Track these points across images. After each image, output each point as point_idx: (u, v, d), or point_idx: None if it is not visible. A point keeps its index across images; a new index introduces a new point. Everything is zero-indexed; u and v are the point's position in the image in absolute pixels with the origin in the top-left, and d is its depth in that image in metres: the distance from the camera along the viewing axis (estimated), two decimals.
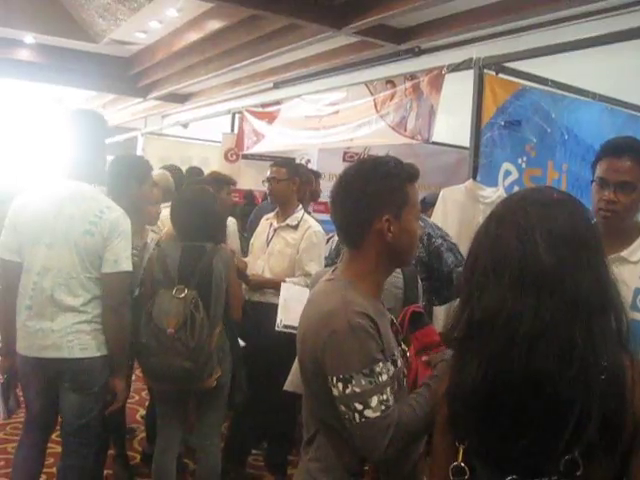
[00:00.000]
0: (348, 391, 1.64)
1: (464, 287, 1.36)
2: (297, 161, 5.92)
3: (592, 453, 1.21)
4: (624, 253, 2.43)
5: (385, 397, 1.64)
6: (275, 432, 4.16)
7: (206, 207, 3.34)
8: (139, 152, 8.17)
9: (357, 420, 1.63)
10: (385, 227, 1.77)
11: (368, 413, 1.62)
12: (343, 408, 1.65)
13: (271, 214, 4.25)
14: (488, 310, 1.27)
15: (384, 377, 1.66)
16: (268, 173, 4.18)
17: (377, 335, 1.70)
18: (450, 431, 1.36)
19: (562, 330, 1.22)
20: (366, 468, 1.75)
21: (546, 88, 3.91)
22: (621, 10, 5.46)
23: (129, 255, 2.88)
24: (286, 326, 3.54)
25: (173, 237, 3.43)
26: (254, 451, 4.39)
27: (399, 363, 1.78)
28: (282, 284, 3.76)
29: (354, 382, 1.63)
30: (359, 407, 1.63)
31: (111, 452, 3.82)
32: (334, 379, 1.65)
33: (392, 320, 1.91)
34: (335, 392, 1.66)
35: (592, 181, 2.46)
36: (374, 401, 1.63)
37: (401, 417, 1.64)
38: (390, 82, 4.54)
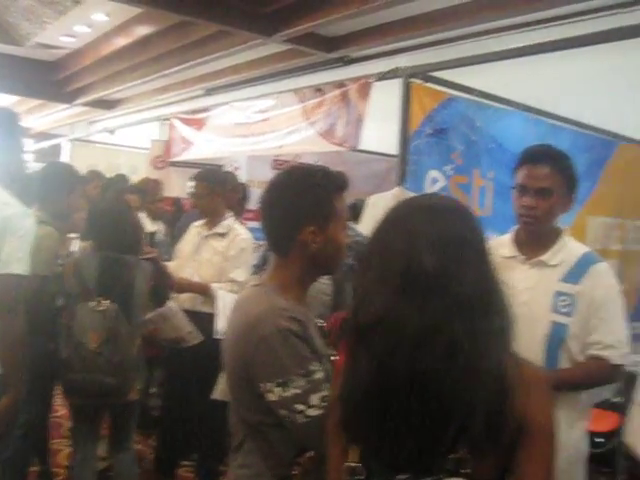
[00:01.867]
0: (287, 394, 1.64)
1: (356, 291, 1.39)
2: (226, 168, 5.88)
3: (478, 450, 1.24)
4: (544, 257, 2.49)
5: (324, 393, 1.65)
6: (205, 442, 4.11)
7: (121, 217, 3.26)
8: (64, 159, 7.98)
9: (300, 421, 1.64)
10: (310, 238, 1.78)
11: (310, 412, 1.64)
12: (284, 412, 1.65)
13: (200, 222, 4.19)
14: (375, 313, 1.29)
15: (319, 375, 1.68)
16: (191, 187, 4.13)
17: (306, 337, 1.71)
18: (343, 430, 1.37)
19: (446, 331, 1.25)
20: (295, 473, 1.74)
21: (472, 97, 3.95)
22: (544, 23, 5.61)
23: (23, 257, 2.49)
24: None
25: (89, 247, 3.34)
26: (184, 462, 4.34)
27: (327, 366, 1.78)
28: (218, 292, 3.71)
29: (293, 384, 1.64)
30: (301, 408, 1.64)
31: (35, 469, 3.73)
32: (270, 384, 1.65)
33: (318, 325, 1.91)
34: (272, 397, 1.65)
35: (512, 188, 2.50)
36: (315, 399, 1.65)
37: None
38: (319, 90, 4.55)
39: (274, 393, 1.66)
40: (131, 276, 3.11)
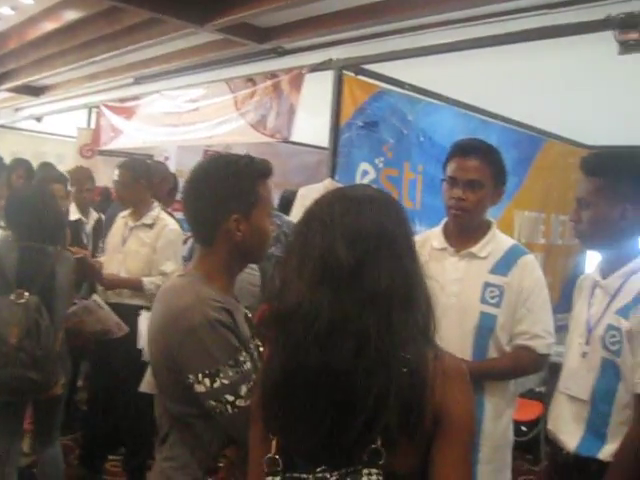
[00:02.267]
0: (217, 385, 1.63)
1: (277, 281, 1.38)
2: (155, 158, 5.79)
3: (394, 442, 1.24)
4: (474, 249, 2.53)
5: (252, 384, 1.64)
6: (132, 436, 4.04)
7: (41, 206, 3.14)
8: None
9: (230, 411, 1.63)
10: (234, 227, 1.76)
11: (239, 402, 1.63)
12: (213, 403, 1.64)
13: (126, 212, 4.10)
14: (290, 304, 1.29)
15: (248, 365, 1.68)
16: (115, 175, 4.04)
17: (235, 327, 1.71)
18: (261, 420, 1.36)
19: (358, 323, 1.24)
20: (221, 465, 1.73)
21: (403, 91, 3.99)
22: (476, 20, 5.69)
23: None
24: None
25: (7, 237, 3.23)
26: (111, 456, 4.28)
27: (254, 356, 1.78)
28: (142, 313, 3.63)
29: (222, 375, 1.63)
30: (230, 398, 1.63)
31: None
32: (199, 375, 1.63)
33: (246, 314, 1.90)
34: (201, 388, 1.64)
35: (443, 180, 2.53)
36: (243, 390, 1.64)
37: None
38: (251, 80, 4.51)
39: (203, 384, 1.64)
40: (53, 267, 3.01)
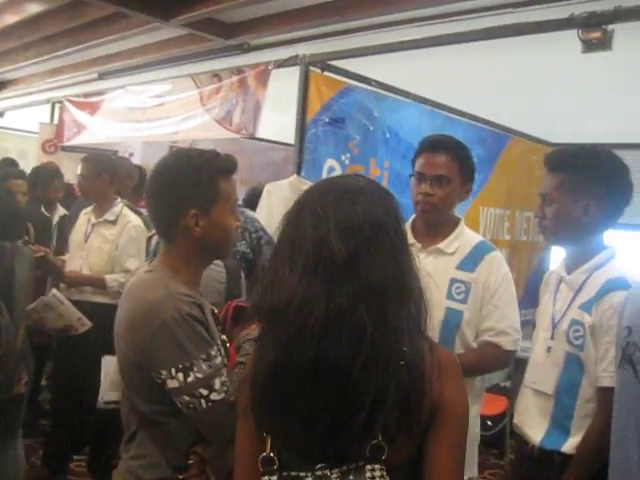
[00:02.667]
0: (191, 379, 1.62)
1: (267, 273, 1.34)
2: (120, 154, 5.72)
3: (393, 436, 1.23)
4: (441, 245, 2.54)
5: (224, 378, 1.66)
6: (97, 435, 4.00)
7: None
8: None
9: (204, 406, 1.63)
10: (192, 222, 1.75)
11: (214, 396, 1.63)
12: (187, 398, 1.63)
13: (89, 208, 4.06)
14: (281, 297, 1.26)
15: (219, 359, 1.68)
16: (78, 169, 4.01)
17: (206, 322, 1.71)
18: (253, 418, 1.32)
19: (353, 317, 1.22)
20: (191, 462, 1.71)
21: (370, 88, 3.99)
22: (440, 19, 5.71)
23: None
24: (107, 402, 3.17)
25: None
26: (76, 457, 4.23)
27: (218, 359, 1.75)
28: (104, 357, 3.55)
29: (195, 369, 1.62)
30: (205, 392, 1.63)
31: None
32: (172, 370, 1.62)
33: (212, 310, 1.89)
34: (174, 384, 1.62)
35: (411, 176, 2.54)
36: (217, 383, 1.64)
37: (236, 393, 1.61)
38: (216, 76, 4.48)
39: (176, 379, 1.63)
40: (11, 263, 2.95)
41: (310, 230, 1.27)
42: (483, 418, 4.32)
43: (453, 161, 2.48)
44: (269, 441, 1.30)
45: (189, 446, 1.72)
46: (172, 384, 1.64)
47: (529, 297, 5.50)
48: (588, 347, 2.12)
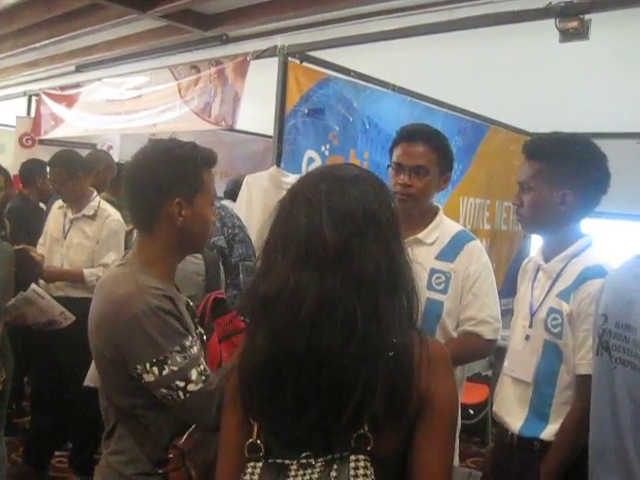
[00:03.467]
0: (166, 372, 1.61)
1: (258, 262, 1.35)
2: (99, 147, 5.67)
3: (380, 427, 1.23)
4: (420, 235, 2.53)
5: (202, 367, 1.65)
6: (78, 430, 4.00)
7: None
8: None
9: (182, 397, 1.62)
10: (176, 211, 1.74)
11: (191, 387, 1.62)
12: (164, 391, 1.62)
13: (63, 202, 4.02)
14: (273, 285, 1.26)
15: (195, 349, 1.67)
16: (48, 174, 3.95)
17: (178, 314, 1.69)
18: (241, 405, 1.32)
19: (345, 307, 1.21)
20: (170, 456, 1.69)
21: (349, 78, 3.98)
22: (419, 9, 5.70)
23: None
24: None
25: None
26: (57, 452, 4.22)
27: (194, 350, 1.74)
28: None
29: (170, 362, 1.61)
30: (181, 384, 1.62)
31: None
32: (147, 365, 1.61)
33: (187, 302, 1.88)
34: (150, 378, 1.62)
35: (389, 166, 2.53)
36: (194, 374, 1.63)
37: (221, 381, 1.61)
38: (195, 67, 4.45)
39: (152, 373, 1.62)
40: None
41: (303, 219, 1.27)
42: (465, 407, 4.35)
43: (431, 151, 2.47)
44: (256, 428, 1.30)
45: (168, 440, 1.71)
46: (148, 378, 1.63)
47: (508, 286, 5.54)
48: (566, 335, 2.13)
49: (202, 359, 1.69)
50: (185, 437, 1.70)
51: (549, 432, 2.15)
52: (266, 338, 1.26)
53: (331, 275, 1.23)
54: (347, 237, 1.25)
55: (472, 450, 4.88)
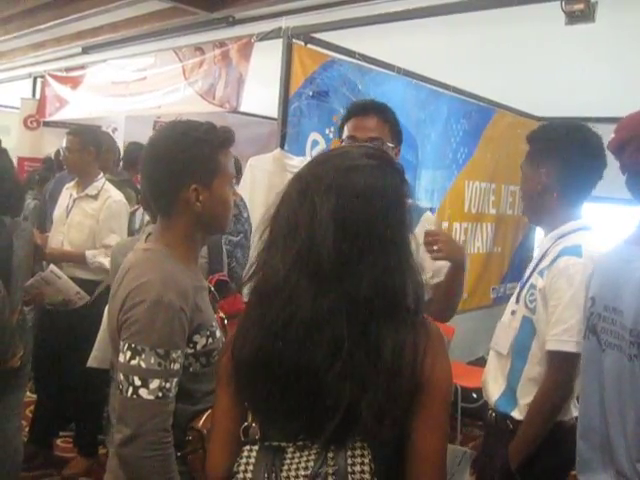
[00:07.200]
0: (133, 362, 1.57)
1: (261, 245, 1.32)
2: (103, 129, 5.66)
3: (377, 415, 1.21)
4: None
5: (168, 386, 1.58)
6: (83, 411, 3.99)
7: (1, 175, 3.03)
8: None
9: (128, 395, 1.57)
10: (193, 197, 1.71)
11: (142, 392, 1.56)
12: (122, 377, 1.58)
13: (71, 183, 4.03)
14: (270, 282, 1.25)
15: (176, 366, 1.61)
16: (64, 142, 3.98)
17: (191, 313, 1.65)
18: (235, 389, 1.32)
19: (334, 324, 1.20)
20: (189, 438, 1.67)
21: (354, 60, 3.96)
22: None
23: None
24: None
25: None
26: (62, 433, 4.25)
27: (217, 334, 1.74)
28: None
29: (143, 356, 1.57)
30: (137, 382, 1.57)
31: None
32: (125, 345, 1.59)
33: (209, 288, 1.87)
34: (121, 358, 1.59)
35: (341, 141, 2.53)
36: (154, 384, 1.57)
37: (169, 447, 1.59)
38: (199, 49, 4.44)
39: (124, 354, 1.59)
40: (9, 239, 2.92)
41: (303, 220, 1.24)
42: (468, 391, 4.35)
43: (383, 123, 2.46)
44: (251, 411, 1.30)
45: (187, 422, 1.68)
46: (120, 357, 1.60)
47: (514, 270, 5.54)
48: (539, 310, 2.17)
49: (175, 381, 1.61)
50: (204, 418, 1.67)
51: (519, 410, 2.19)
52: (259, 332, 1.25)
53: (324, 292, 1.21)
54: (345, 253, 1.22)
55: (475, 434, 4.88)
